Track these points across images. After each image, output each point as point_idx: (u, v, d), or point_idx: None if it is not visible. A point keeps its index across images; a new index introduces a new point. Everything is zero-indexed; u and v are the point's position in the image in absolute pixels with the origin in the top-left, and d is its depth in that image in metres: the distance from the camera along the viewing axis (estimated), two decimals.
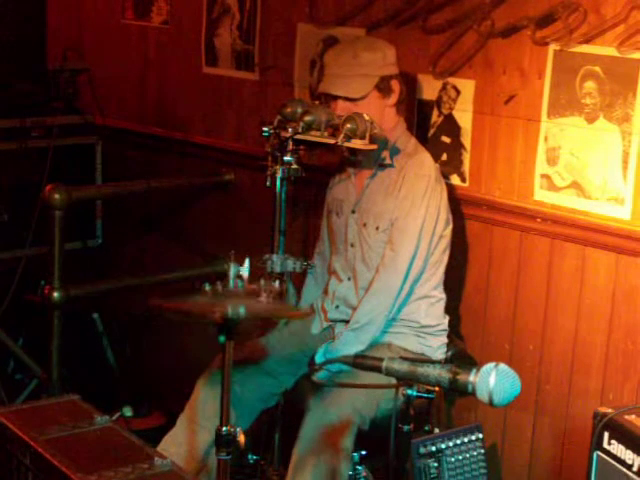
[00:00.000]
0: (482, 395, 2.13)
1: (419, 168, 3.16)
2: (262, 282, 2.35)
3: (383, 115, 3.18)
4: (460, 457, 2.19)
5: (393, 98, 3.21)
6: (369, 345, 3.15)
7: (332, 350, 3.13)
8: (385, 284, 3.15)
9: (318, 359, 3.14)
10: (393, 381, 2.27)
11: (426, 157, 3.21)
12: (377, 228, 3.21)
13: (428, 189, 3.13)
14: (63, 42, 4.75)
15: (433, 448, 2.16)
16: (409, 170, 3.16)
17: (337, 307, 3.33)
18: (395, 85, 3.20)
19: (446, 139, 3.45)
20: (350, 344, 3.11)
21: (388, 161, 3.20)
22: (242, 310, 2.23)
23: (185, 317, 2.35)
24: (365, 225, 3.24)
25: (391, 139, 3.21)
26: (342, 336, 3.17)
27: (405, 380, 2.23)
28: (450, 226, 3.24)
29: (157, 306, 2.33)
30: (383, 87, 3.17)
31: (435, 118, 3.47)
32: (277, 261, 3.08)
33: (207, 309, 2.27)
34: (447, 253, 3.25)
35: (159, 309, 2.31)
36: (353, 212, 3.29)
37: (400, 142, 3.23)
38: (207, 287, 2.44)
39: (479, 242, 3.42)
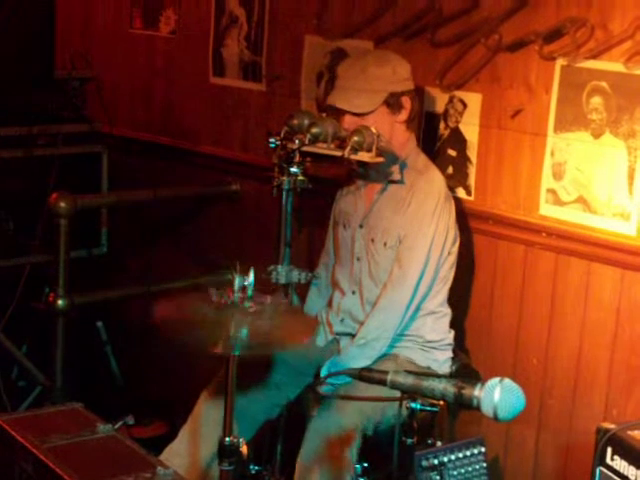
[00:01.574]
0: (487, 410, 2.13)
1: (429, 185, 3.15)
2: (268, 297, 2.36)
3: (393, 131, 3.16)
4: (462, 470, 2.18)
5: (403, 114, 3.18)
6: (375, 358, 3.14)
7: (338, 364, 3.12)
8: (393, 301, 3.14)
9: (323, 374, 3.13)
10: (397, 394, 2.27)
11: (436, 174, 3.20)
12: (385, 244, 3.19)
13: (437, 207, 3.12)
14: (71, 51, 4.76)
15: (435, 461, 2.15)
16: (419, 187, 3.15)
17: (342, 320, 3.32)
18: (406, 102, 3.17)
19: (452, 152, 3.45)
20: (356, 359, 3.09)
21: (398, 177, 3.20)
22: (244, 333, 2.25)
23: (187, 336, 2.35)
24: (373, 240, 3.22)
25: (402, 155, 3.19)
26: (348, 351, 3.17)
27: (410, 394, 2.22)
28: (457, 243, 3.22)
29: (159, 321, 2.34)
30: (392, 103, 3.14)
31: (442, 131, 3.47)
32: (282, 272, 3.06)
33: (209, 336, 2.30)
34: (454, 269, 3.24)
35: (161, 324, 2.32)
36: (361, 226, 3.27)
37: (410, 159, 3.22)
38: (214, 294, 2.44)
39: (484, 256, 3.41)
